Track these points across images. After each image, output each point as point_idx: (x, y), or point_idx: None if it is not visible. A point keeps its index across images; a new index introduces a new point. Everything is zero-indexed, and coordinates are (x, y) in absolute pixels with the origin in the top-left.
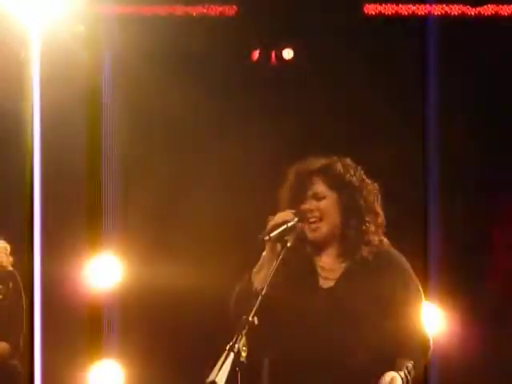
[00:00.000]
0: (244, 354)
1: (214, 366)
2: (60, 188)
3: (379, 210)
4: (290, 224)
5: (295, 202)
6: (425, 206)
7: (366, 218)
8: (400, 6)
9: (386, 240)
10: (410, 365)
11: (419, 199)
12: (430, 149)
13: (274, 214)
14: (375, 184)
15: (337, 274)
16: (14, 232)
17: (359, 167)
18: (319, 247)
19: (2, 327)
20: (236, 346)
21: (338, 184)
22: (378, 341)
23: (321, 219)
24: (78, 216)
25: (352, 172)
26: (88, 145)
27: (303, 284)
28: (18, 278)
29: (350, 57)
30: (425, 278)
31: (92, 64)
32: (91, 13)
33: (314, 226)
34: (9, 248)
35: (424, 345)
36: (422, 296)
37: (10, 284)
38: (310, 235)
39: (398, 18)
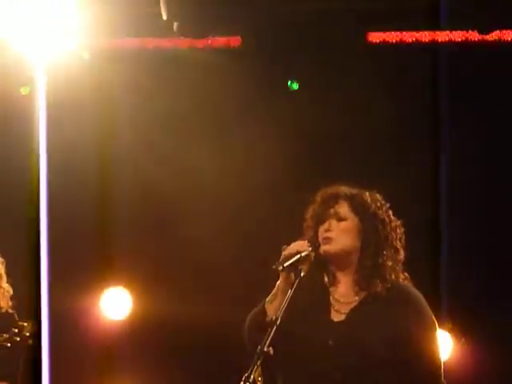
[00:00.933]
0: None
1: None
2: (68, 227)
3: (400, 247)
4: (303, 253)
5: (317, 222)
6: (438, 231)
7: (384, 252)
8: (404, 33)
9: (405, 275)
10: None
11: (432, 225)
12: (443, 174)
13: (289, 243)
14: (400, 223)
15: (348, 308)
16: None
17: (387, 204)
18: (334, 273)
19: (4, 368)
20: (251, 376)
21: (362, 211)
22: (387, 379)
23: (335, 239)
24: (86, 251)
25: (379, 205)
26: (98, 180)
27: (315, 316)
28: (17, 319)
29: (355, 85)
30: (438, 307)
31: (100, 98)
32: (96, 47)
33: (326, 242)
34: (11, 291)
35: None
36: (437, 336)
37: (13, 329)
38: (322, 250)
39: (402, 46)
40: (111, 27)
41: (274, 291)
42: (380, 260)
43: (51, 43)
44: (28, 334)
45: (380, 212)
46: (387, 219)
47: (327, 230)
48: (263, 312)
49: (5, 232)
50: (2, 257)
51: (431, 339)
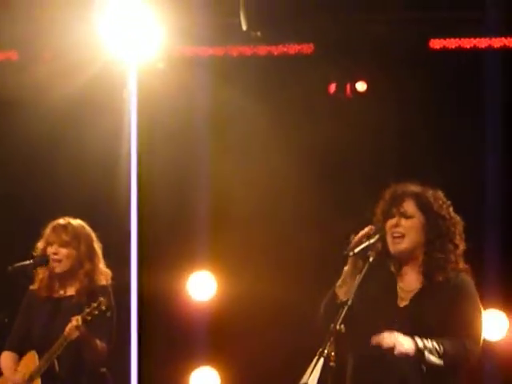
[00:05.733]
0: (333, 359)
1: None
2: (158, 215)
3: (459, 242)
4: (372, 240)
5: (386, 218)
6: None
7: (447, 246)
8: (462, 40)
9: (466, 267)
10: (436, 344)
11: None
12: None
13: (358, 232)
14: (460, 219)
15: (411, 295)
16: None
17: (449, 202)
18: (400, 264)
19: (102, 331)
20: (325, 351)
21: (426, 209)
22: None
23: (404, 236)
24: (175, 237)
25: (441, 203)
26: (186, 172)
27: (383, 301)
28: (111, 291)
29: (418, 87)
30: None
31: (186, 105)
32: (178, 55)
33: (397, 240)
34: (110, 273)
35: (476, 342)
36: (481, 319)
37: (92, 303)
38: (392, 248)
39: (461, 52)
40: (193, 36)
41: (342, 277)
42: (442, 254)
43: (141, 51)
44: (105, 308)
45: (441, 210)
46: (448, 216)
47: (396, 226)
48: (334, 296)
49: (100, 219)
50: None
51: (474, 321)
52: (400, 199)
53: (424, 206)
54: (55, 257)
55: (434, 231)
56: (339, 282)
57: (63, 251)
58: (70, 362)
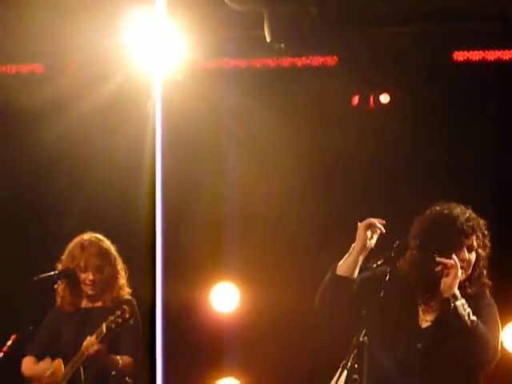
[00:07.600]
0: (356, 371)
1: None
2: (182, 228)
3: (487, 263)
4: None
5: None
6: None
7: (482, 280)
8: (486, 52)
9: (488, 283)
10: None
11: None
12: None
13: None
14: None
15: (433, 316)
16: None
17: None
18: (428, 289)
19: (127, 344)
20: (349, 364)
21: (483, 244)
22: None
23: (465, 270)
24: (198, 248)
25: (486, 233)
26: (208, 183)
27: (405, 319)
28: (135, 304)
29: (442, 99)
30: None
31: (210, 117)
32: (201, 67)
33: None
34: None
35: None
36: (499, 339)
37: (117, 311)
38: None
39: (484, 64)
40: (217, 48)
41: (348, 253)
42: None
43: (164, 64)
44: (128, 316)
45: (486, 241)
46: (487, 247)
47: (461, 261)
48: (333, 273)
49: (124, 230)
50: (122, 253)
51: (492, 343)
52: (469, 231)
53: (482, 240)
54: (91, 282)
55: (481, 262)
56: (343, 260)
57: (98, 276)
58: (95, 371)
